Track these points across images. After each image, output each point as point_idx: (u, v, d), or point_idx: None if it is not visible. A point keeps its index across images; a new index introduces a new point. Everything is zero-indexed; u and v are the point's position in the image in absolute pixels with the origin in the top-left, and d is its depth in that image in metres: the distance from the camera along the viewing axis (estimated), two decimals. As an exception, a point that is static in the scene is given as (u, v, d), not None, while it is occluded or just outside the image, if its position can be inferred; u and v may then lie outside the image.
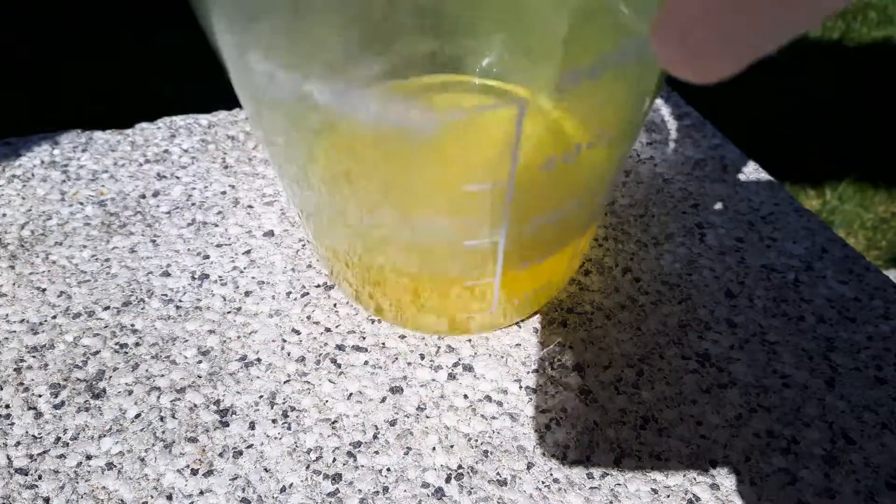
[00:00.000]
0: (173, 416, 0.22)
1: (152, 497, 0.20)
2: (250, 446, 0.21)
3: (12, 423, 0.22)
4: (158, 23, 1.23)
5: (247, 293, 0.26)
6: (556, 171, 0.17)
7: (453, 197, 0.18)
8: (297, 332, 0.25)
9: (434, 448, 0.21)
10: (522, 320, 0.25)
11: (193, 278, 0.27)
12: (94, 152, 0.33)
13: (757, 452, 0.21)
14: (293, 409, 0.22)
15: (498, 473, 0.20)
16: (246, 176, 0.32)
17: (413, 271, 0.21)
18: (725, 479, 0.20)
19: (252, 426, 0.22)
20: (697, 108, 0.36)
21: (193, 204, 0.30)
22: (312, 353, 0.24)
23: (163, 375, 0.23)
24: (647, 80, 0.17)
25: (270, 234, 0.29)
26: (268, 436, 0.21)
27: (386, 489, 0.20)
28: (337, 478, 0.20)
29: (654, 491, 0.20)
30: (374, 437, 0.21)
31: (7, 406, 0.22)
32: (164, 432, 0.22)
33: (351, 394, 0.23)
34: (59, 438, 0.21)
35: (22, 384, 0.23)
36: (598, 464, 0.21)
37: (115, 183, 0.32)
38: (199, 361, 0.24)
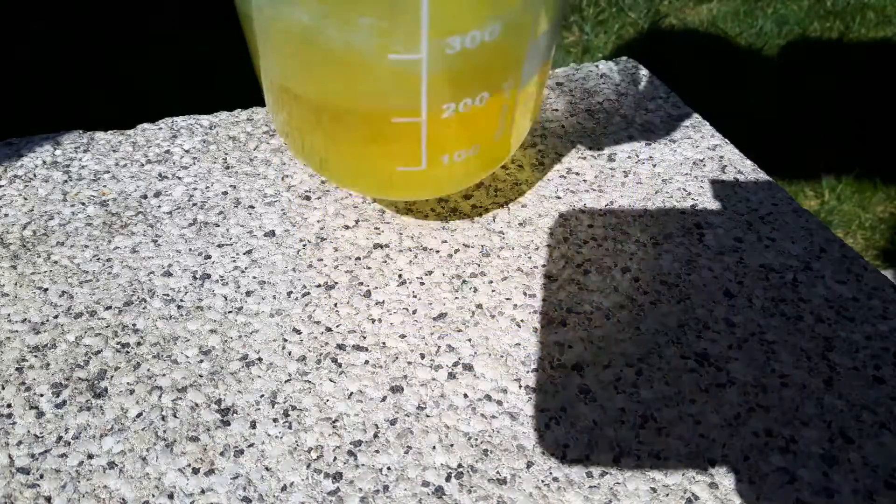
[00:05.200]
0: (175, 416, 0.22)
1: (154, 496, 0.20)
2: (251, 445, 0.21)
3: (14, 423, 0.22)
4: (160, 23, 1.23)
5: (248, 293, 0.26)
6: (460, 53, 0.17)
7: (376, 66, 0.19)
8: (298, 332, 0.25)
9: (434, 447, 0.21)
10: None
11: (195, 278, 0.27)
12: (95, 153, 0.34)
13: (755, 451, 0.21)
14: (294, 408, 0.22)
15: (497, 472, 0.21)
16: (247, 176, 0.32)
17: (341, 97, 0.21)
18: (724, 478, 0.20)
19: (253, 425, 0.22)
20: (696, 109, 0.36)
21: (195, 204, 0.30)
22: (313, 352, 0.24)
23: (164, 375, 0.23)
24: None
25: (272, 234, 0.29)
26: (269, 435, 0.22)
27: (386, 488, 0.20)
28: (337, 476, 0.20)
29: (654, 490, 0.20)
30: (375, 436, 0.22)
31: (9, 405, 0.22)
32: (165, 431, 0.22)
33: (351, 393, 0.23)
34: (60, 438, 0.21)
35: (24, 384, 0.23)
36: (597, 463, 0.21)
37: (116, 183, 0.32)
38: (201, 361, 0.24)
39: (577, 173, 0.32)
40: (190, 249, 0.28)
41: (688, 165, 0.32)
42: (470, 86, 0.21)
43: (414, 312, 0.25)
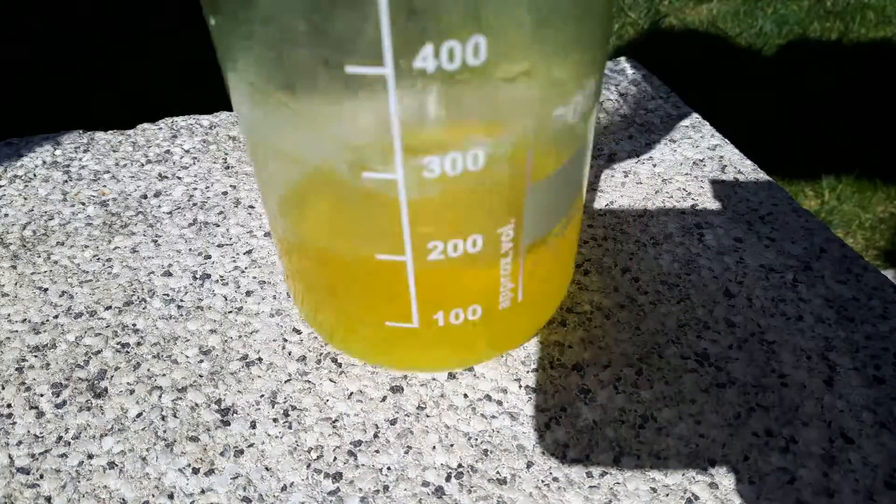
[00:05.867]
0: (175, 416, 0.22)
1: (153, 496, 0.20)
2: (251, 445, 0.21)
3: (14, 423, 0.22)
4: (160, 23, 1.23)
5: (248, 293, 0.26)
6: (441, 178, 0.16)
7: (352, 187, 0.18)
8: (298, 332, 0.25)
9: (434, 447, 0.21)
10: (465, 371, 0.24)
11: (195, 278, 0.27)
12: (95, 153, 0.34)
13: (755, 451, 0.21)
14: (294, 408, 0.22)
15: (498, 472, 0.21)
16: (247, 176, 0.32)
17: (323, 231, 0.21)
18: (724, 478, 0.20)
19: (253, 425, 0.22)
20: (696, 109, 0.36)
21: (195, 204, 0.30)
22: (313, 352, 0.24)
23: (164, 375, 0.23)
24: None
25: (272, 234, 0.29)
26: (269, 435, 0.22)
27: (386, 488, 0.20)
28: (337, 476, 0.20)
29: (653, 490, 0.20)
30: (375, 436, 0.22)
31: (9, 405, 0.22)
32: (165, 431, 0.22)
33: (351, 393, 0.23)
34: (60, 438, 0.21)
35: (24, 384, 0.23)
36: (597, 463, 0.21)
37: (116, 183, 0.32)
38: (201, 361, 0.24)
39: (577, 173, 0.32)
40: (190, 249, 0.28)
41: (688, 165, 0.32)
42: (456, 222, 0.19)
43: (414, 312, 0.25)
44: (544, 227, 0.20)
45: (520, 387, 0.23)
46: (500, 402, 0.22)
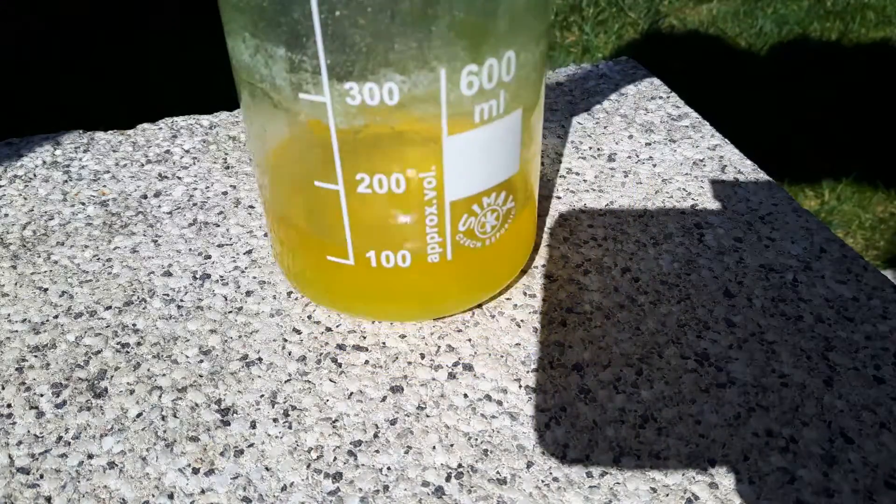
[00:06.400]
0: (175, 416, 0.22)
1: (153, 496, 0.20)
2: (251, 445, 0.21)
3: (14, 423, 0.22)
4: (160, 23, 1.23)
5: (248, 293, 0.26)
6: (362, 107, 0.17)
7: (293, 111, 0.19)
8: (298, 332, 0.25)
9: (434, 447, 0.21)
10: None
11: (195, 278, 0.27)
12: (95, 153, 0.34)
13: (755, 451, 0.21)
14: (294, 408, 0.22)
15: (498, 472, 0.21)
16: (247, 176, 0.32)
17: (271, 152, 0.22)
18: (724, 479, 0.20)
19: (253, 425, 0.22)
20: (696, 109, 0.36)
21: (195, 204, 0.30)
22: (313, 352, 0.24)
23: (164, 375, 0.23)
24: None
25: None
26: (269, 435, 0.22)
27: (386, 488, 0.20)
28: (337, 476, 0.20)
29: (653, 490, 0.20)
30: (375, 436, 0.22)
31: (9, 405, 0.22)
32: (165, 431, 0.22)
33: (351, 393, 0.23)
34: (60, 438, 0.21)
35: (24, 384, 0.23)
36: (597, 463, 0.21)
37: (116, 183, 0.32)
38: (201, 361, 0.24)
39: (577, 173, 0.32)
40: (190, 249, 0.28)
41: (688, 165, 0.32)
42: (380, 156, 0.20)
43: (414, 312, 0.25)
44: (468, 186, 0.20)
45: (520, 387, 0.23)
46: (500, 402, 0.22)
